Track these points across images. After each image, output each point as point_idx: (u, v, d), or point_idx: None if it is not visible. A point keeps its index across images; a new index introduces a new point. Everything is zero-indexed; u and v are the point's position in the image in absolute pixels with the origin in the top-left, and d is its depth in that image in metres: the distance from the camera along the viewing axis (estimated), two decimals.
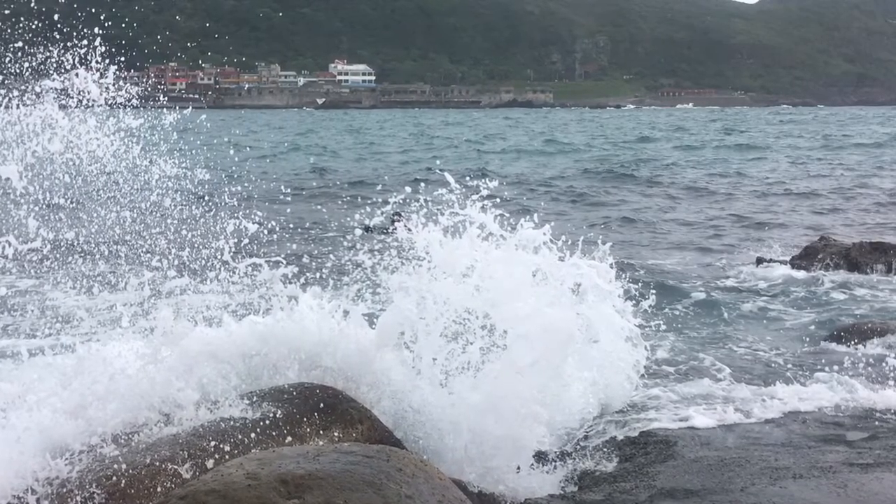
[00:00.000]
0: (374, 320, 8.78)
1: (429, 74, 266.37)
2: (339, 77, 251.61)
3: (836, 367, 10.16)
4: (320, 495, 4.71)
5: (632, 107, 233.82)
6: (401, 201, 8.88)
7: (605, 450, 7.94)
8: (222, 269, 8.97)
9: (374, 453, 5.28)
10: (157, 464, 5.95)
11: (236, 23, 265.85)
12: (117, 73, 8.36)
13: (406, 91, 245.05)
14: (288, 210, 25.84)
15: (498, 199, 8.86)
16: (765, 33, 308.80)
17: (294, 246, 18.44)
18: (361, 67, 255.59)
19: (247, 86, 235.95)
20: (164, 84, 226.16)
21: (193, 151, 13.76)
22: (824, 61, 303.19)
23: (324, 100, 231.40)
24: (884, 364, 10.15)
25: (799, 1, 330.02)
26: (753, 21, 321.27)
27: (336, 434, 6.77)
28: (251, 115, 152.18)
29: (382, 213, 9.18)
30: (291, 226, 22.53)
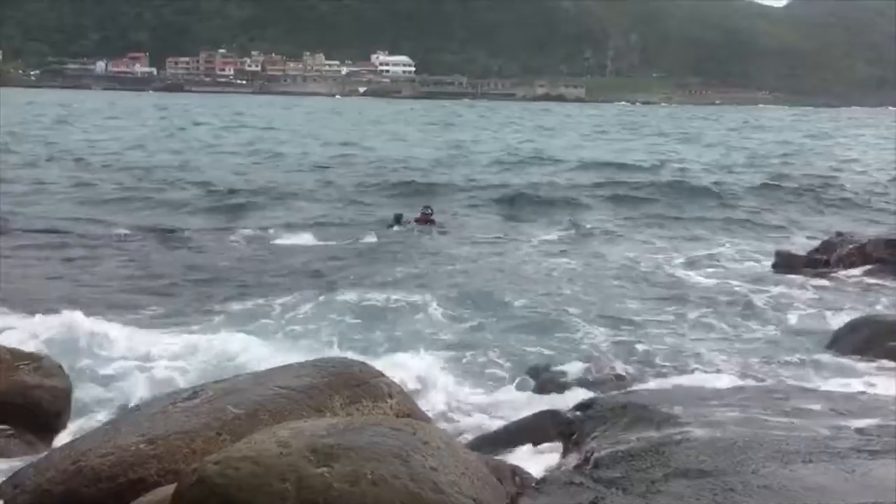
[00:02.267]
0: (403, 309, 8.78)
1: (467, 67, 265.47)
2: (380, 67, 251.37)
3: (847, 359, 10.07)
4: (348, 464, 4.72)
5: (664, 104, 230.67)
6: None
7: (621, 430, 7.90)
8: None
9: (402, 426, 5.28)
10: (193, 430, 6.00)
11: (284, 12, 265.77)
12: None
13: (444, 83, 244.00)
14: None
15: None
16: (790, 36, 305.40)
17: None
18: (402, 58, 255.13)
19: (292, 73, 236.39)
20: (214, 69, 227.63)
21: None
22: (847, 64, 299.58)
23: (365, 89, 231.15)
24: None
25: (824, 5, 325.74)
26: (780, 24, 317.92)
27: (366, 407, 6.78)
28: (296, 102, 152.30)
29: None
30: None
